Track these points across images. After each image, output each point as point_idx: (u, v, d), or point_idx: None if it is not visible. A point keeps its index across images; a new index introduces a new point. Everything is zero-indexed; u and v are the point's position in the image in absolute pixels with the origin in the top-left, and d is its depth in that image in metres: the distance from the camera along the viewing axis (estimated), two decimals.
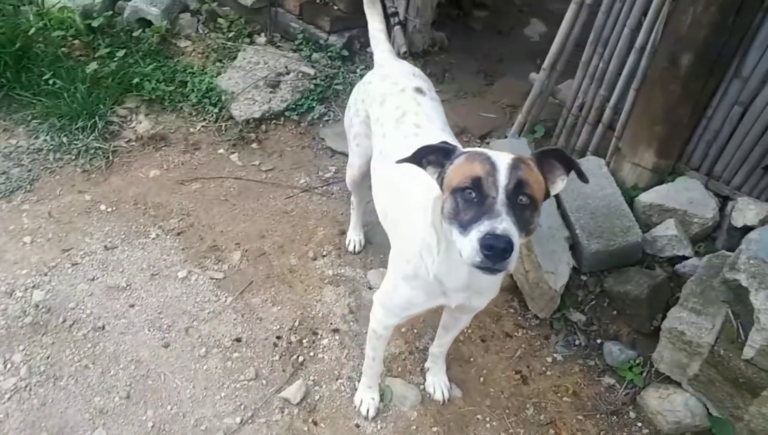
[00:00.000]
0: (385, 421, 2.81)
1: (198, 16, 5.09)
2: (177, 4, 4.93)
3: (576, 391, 2.99)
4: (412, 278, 2.15)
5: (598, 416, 2.90)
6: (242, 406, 2.79)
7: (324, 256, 3.55)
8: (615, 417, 2.89)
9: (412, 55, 4.81)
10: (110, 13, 4.78)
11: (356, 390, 2.89)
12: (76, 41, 4.64)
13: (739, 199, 3.19)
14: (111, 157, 4.02)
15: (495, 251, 1.51)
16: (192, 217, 3.71)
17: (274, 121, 4.41)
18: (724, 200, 3.30)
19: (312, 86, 4.52)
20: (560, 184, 1.80)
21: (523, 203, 1.64)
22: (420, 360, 3.07)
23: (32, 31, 4.33)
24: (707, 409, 2.72)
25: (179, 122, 4.36)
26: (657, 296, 3.02)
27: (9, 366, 2.83)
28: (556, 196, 3.35)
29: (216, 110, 4.37)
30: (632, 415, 2.90)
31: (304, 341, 3.10)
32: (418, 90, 2.65)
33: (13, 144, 3.99)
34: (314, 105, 4.49)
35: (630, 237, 3.10)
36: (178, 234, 3.60)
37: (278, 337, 3.10)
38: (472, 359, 3.11)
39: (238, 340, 3.07)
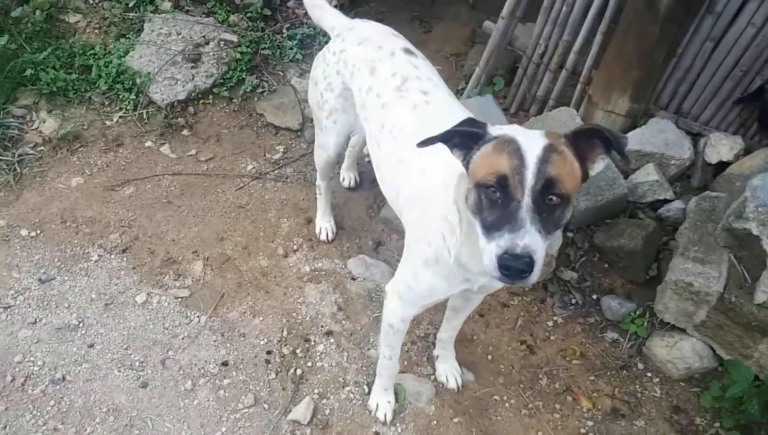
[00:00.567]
0: (404, 422, 2.67)
1: None
2: None
3: (582, 351, 2.96)
4: (434, 263, 2.00)
5: (608, 373, 2.90)
6: None
7: (295, 250, 3.25)
8: (625, 371, 2.90)
9: (341, 6, 4.39)
10: None
11: (367, 394, 2.71)
12: None
13: (711, 135, 3.19)
14: (18, 169, 3.43)
15: (513, 271, 1.46)
16: (134, 228, 3.27)
17: (202, 101, 3.92)
18: (694, 138, 3.29)
19: (238, 55, 4.03)
20: (600, 164, 1.65)
21: (552, 203, 1.52)
22: (423, 348, 2.92)
23: None
24: (713, 351, 2.78)
25: (91, 116, 3.78)
26: (650, 246, 3.00)
27: None
28: None
29: (132, 96, 3.81)
30: (641, 366, 2.92)
31: (298, 351, 2.85)
32: (408, 51, 2.40)
33: None
34: (244, 76, 4.02)
35: (617, 189, 3.03)
36: (124, 251, 3.16)
37: (269, 353, 2.83)
38: (475, 337, 2.99)
39: (225, 364, 2.77)
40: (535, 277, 1.49)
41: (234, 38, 4.11)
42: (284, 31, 4.28)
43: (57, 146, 3.58)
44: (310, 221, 3.37)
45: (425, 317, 3.01)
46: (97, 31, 4.16)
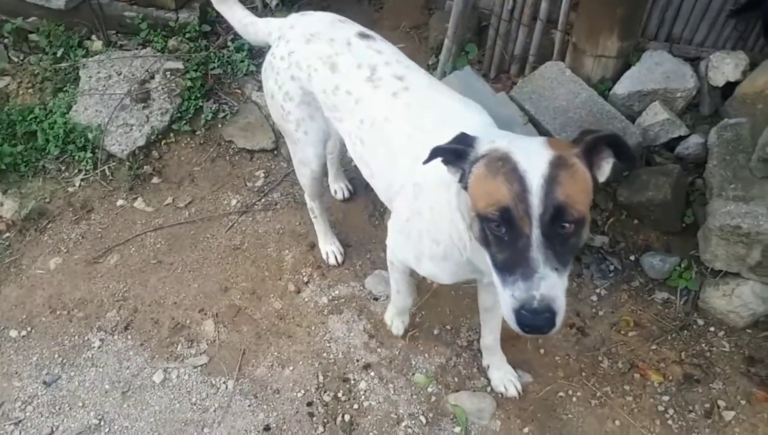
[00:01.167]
0: None
1: (1, 40, 3.96)
2: None
3: (636, 320, 2.78)
4: (442, 260, 1.92)
5: (669, 338, 2.72)
6: None
7: (307, 283, 3.01)
8: (685, 331, 2.73)
9: (284, 3, 4.04)
10: None
11: (425, 425, 2.51)
12: None
13: (711, 57, 2.96)
14: None
15: (534, 328, 1.37)
16: (130, 299, 2.99)
17: (164, 142, 3.59)
18: (692, 63, 3.06)
19: (188, 83, 3.68)
20: (606, 168, 1.51)
21: (567, 232, 1.37)
22: (471, 358, 2.72)
23: None
24: None
25: (50, 186, 3.44)
26: (679, 191, 2.80)
27: None
28: (535, 123, 2.96)
29: (89, 155, 3.47)
30: (700, 322, 2.75)
31: (340, 395, 2.63)
32: (364, 36, 2.21)
33: None
34: (201, 104, 3.68)
35: (630, 139, 2.80)
36: (126, 328, 2.89)
37: (309, 404, 2.61)
38: None
39: (267, 428, 2.55)
40: (558, 326, 1.38)
41: (179, 65, 3.76)
42: (229, 44, 3.92)
43: (23, 228, 3.27)
44: (314, 246, 3.11)
45: (463, 324, 2.80)
46: (31, 90, 3.78)
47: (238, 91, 3.79)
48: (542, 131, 2.90)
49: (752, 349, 2.65)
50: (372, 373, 2.68)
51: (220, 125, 3.66)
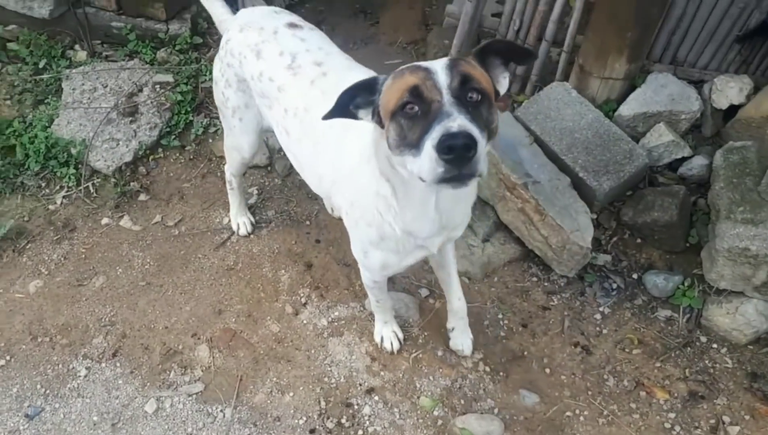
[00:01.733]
0: None
1: None
2: None
3: (640, 338, 2.76)
4: (380, 241, 1.94)
5: (673, 355, 2.71)
6: None
7: (305, 304, 2.91)
8: (689, 348, 2.72)
9: None
10: None
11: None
12: None
13: (715, 79, 2.99)
14: None
15: (456, 152, 1.29)
16: (118, 324, 2.85)
17: (152, 157, 3.47)
18: (696, 86, 3.08)
19: (178, 96, 3.57)
20: (504, 82, 1.58)
21: (474, 100, 1.41)
22: (477, 380, 2.65)
23: None
24: None
25: (30, 203, 3.28)
26: (684, 212, 2.80)
27: None
28: (540, 143, 2.93)
29: (72, 171, 3.32)
30: (703, 339, 2.74)
31: (344, 421, 2.54)
32: (293, 25, 2.28)
33: None
34: (191, 118, 3.58)
35: (636, 161, 2.80)
36: (114, 355, 2.75)
37: (312, 431, 2.51)
38: (525, 352, 2.74)
39: None
40: (483, 164, 1.33)
41: (169, 78, 3.65)
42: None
43: (0, 249, 3.10)
44: (311, 266, 3.03)
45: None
46: (9, 102, 3.62)
47: None
48: (548, 152, 2.87)
49: (755, 365, 2.65)
50: (376, 398, 2.60)
51: (210, 140, 3.55)
